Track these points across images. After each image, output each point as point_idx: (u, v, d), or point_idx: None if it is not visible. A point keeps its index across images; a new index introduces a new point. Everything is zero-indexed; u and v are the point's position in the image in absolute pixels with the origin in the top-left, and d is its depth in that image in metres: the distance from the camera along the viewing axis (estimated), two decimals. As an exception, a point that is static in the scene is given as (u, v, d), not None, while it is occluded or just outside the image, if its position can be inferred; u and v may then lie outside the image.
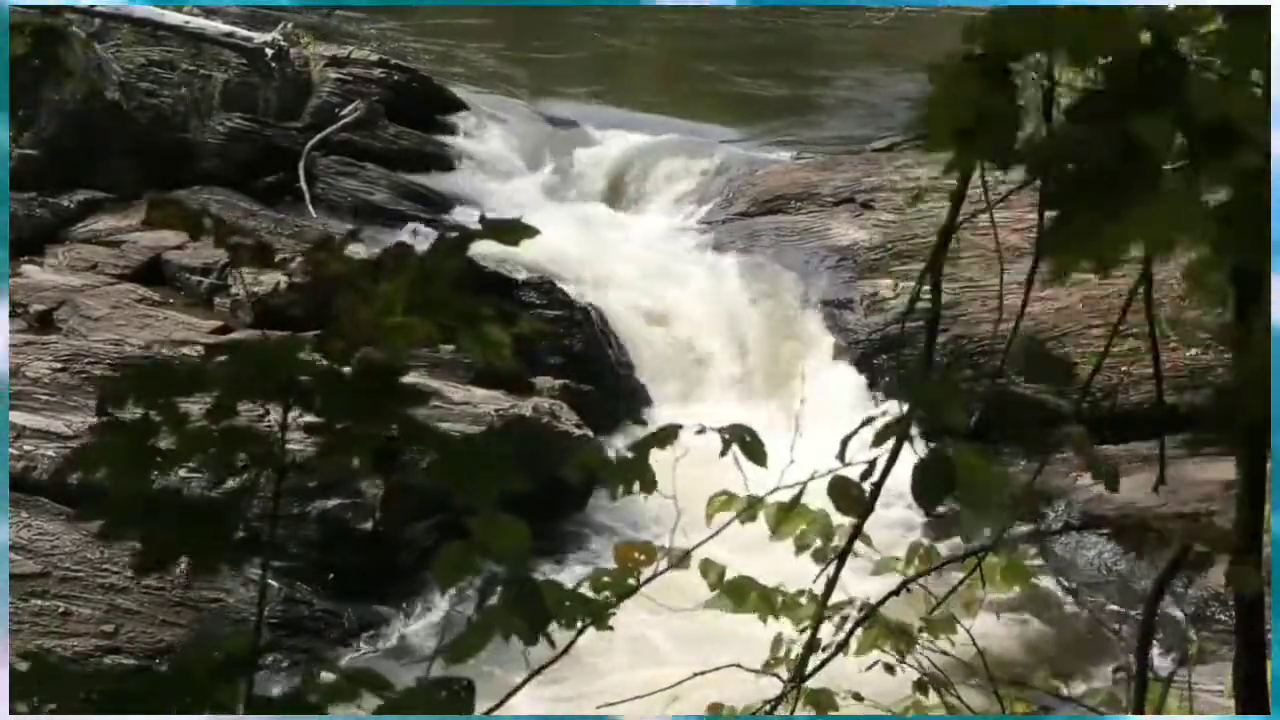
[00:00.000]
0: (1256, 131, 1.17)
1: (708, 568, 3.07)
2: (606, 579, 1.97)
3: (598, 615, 1.83)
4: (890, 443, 1.69)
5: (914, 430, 1.70)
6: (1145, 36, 1.26)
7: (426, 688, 1.32)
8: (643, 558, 2.12)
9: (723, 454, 1.92)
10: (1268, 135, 1.17)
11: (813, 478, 1.95)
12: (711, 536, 2.23)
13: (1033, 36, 1.27)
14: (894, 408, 1.79)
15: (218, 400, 1.23)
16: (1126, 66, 1.25)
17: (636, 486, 1.90)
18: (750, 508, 2.68)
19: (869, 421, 1.70)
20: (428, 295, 1.23)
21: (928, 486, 1.55)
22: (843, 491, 1.88)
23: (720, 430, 1.93)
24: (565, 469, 1.94)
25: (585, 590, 1.87)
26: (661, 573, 2.16)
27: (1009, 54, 1.29)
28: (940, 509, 1.63)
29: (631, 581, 1.95)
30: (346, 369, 1.24)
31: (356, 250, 1.38)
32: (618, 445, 2.03)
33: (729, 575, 3.12)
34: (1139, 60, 1.25)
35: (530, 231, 1.39)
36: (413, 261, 1.24)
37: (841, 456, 1.74)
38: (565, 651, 1.64)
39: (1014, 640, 6.40)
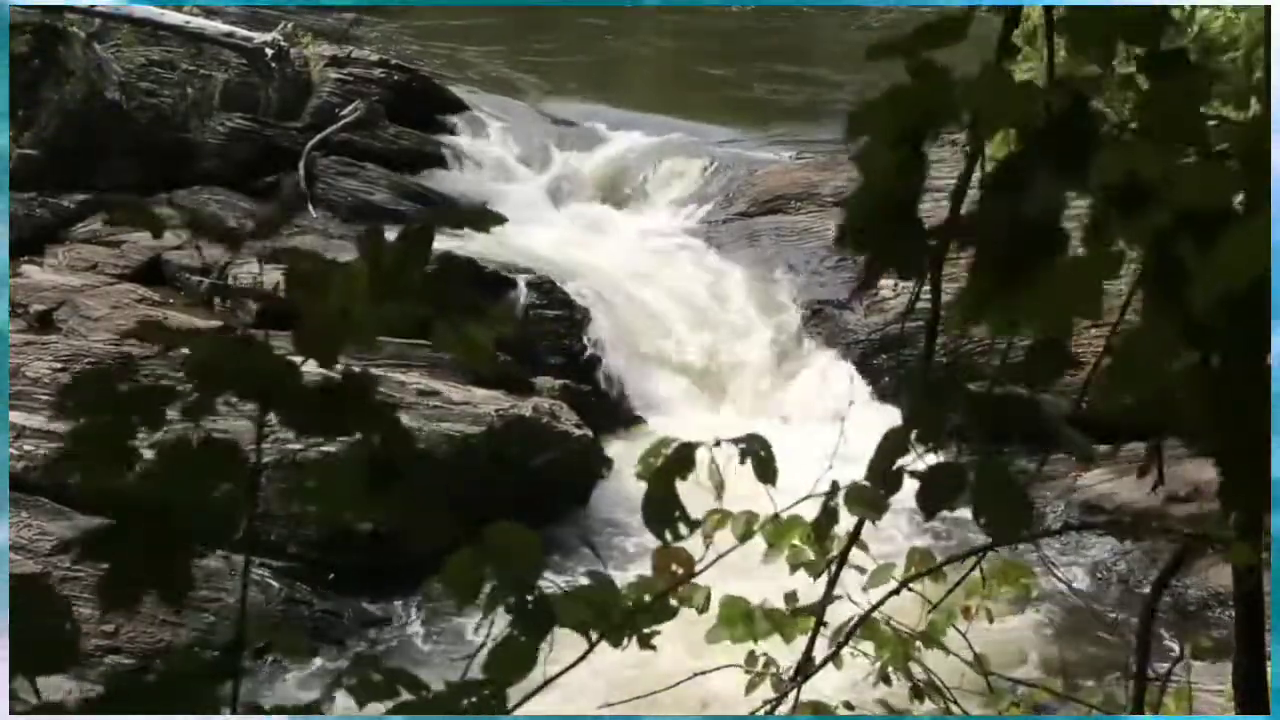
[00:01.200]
0: (1166, 190, 1.15)
1: (693, 592, 2.97)
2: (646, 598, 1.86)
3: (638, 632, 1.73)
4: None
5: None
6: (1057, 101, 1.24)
7: (458, 689, 1.30)
8: (680, 571, 2.02)
9: (741, 462, 1.85)
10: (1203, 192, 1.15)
11: (835, 490, 1.89)
12: (711, 563, 2.13)
13: (938, 107, 1.24)
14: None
15: (190, 403, 1.20)
16: (1038, 134, 1.23)
17: (684, 529, 1.79)
18: (746, 526, 2.62)
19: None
20: (398, 283, 1.19)
21: (933, 493, 1.52)
22: (863, 498, 1.84)
23: (736, 441, 1.85)
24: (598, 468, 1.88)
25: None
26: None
27: (918, 128, 1.26)
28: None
29: (674, 603, 1.85)
30: (315, 376, 1.20)
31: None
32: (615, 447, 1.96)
33: (736, 585, 3.06)
34: (1052, 126, 1.23)
35: (498, 219, 1.36)
36: (382, 246, 1.20)
37: (878, 479, 1.69)
38: (583, 658, 1.60)
39: (1013, 642, 6.40)
